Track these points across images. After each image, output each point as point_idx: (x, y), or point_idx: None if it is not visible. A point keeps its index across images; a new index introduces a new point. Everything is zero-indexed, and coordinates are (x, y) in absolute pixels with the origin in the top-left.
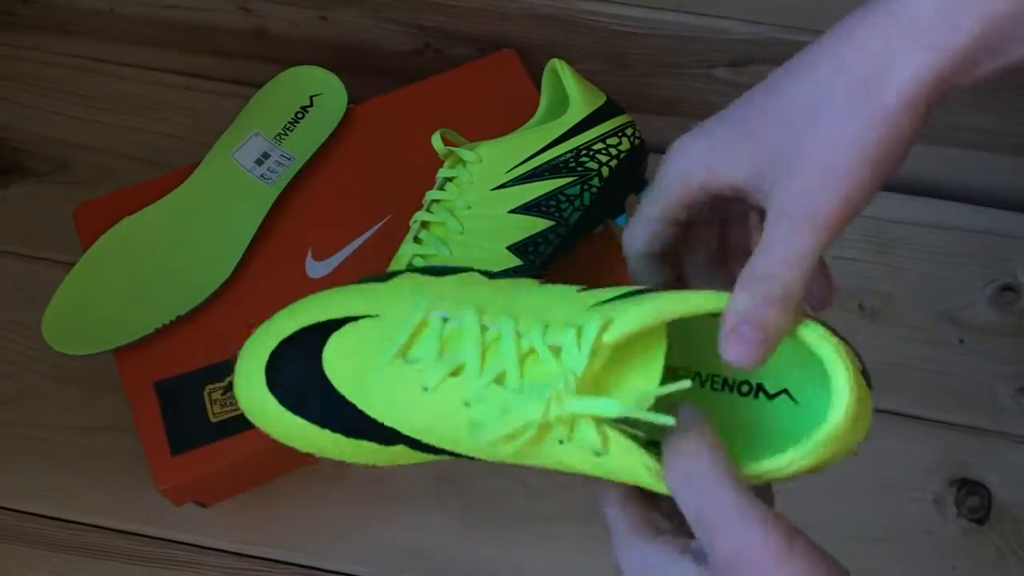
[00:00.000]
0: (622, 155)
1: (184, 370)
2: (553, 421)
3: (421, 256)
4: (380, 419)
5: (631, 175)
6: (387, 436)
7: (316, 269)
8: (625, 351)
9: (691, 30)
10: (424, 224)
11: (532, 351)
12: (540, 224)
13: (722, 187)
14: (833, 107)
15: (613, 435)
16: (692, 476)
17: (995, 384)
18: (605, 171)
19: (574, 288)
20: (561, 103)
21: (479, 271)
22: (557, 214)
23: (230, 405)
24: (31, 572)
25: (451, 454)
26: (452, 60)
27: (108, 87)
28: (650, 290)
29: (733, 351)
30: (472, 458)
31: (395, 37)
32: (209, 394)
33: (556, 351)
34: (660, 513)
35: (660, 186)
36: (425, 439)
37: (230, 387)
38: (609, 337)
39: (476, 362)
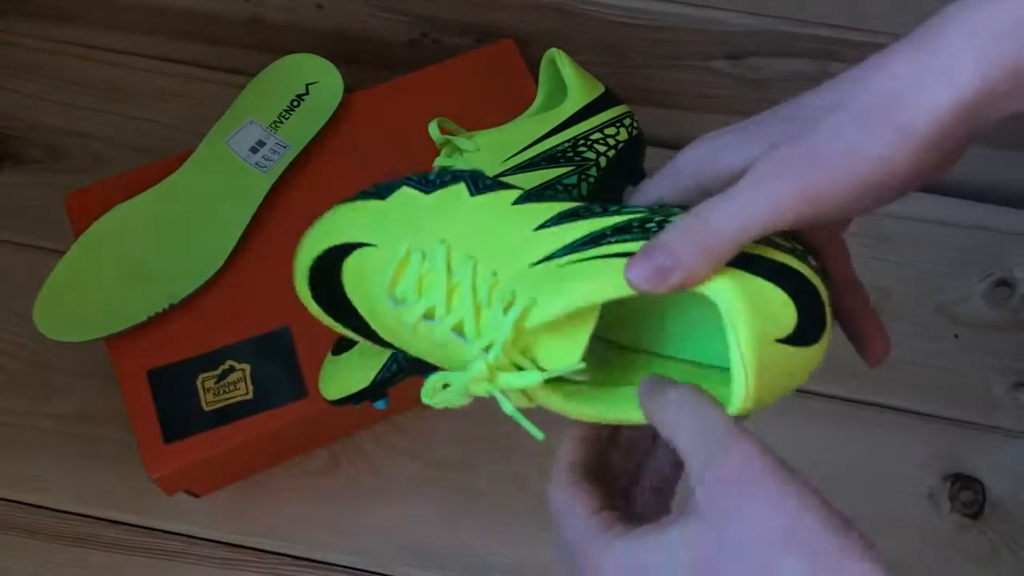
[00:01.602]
0: (620, 145)
1: (177, 358)
2: (480, 391)
3: None
4: (390, 341)
5: (629, 165)
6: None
7: None
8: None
9: (690, 22)
10: None
11: (481, 305)
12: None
13: (714, 179)
14: (843, 116)
15: (539, 393)
16: (684, 409)
17: (990, 379)
18: (603, 161)
19: (532, 223)
20: (559, 93)
21: (468, 181)
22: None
23: (223, 393)
24: (20, 560)
25: None
26: (450, 50)
27: (102, 74)
28: (597, 214)
29: (636, 270)
30: None
31: (392, 26)
32: (203, 382)
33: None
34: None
35: (667, 175)
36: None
37: (223, 375)
38: (530, 323)
39: (443, 307)
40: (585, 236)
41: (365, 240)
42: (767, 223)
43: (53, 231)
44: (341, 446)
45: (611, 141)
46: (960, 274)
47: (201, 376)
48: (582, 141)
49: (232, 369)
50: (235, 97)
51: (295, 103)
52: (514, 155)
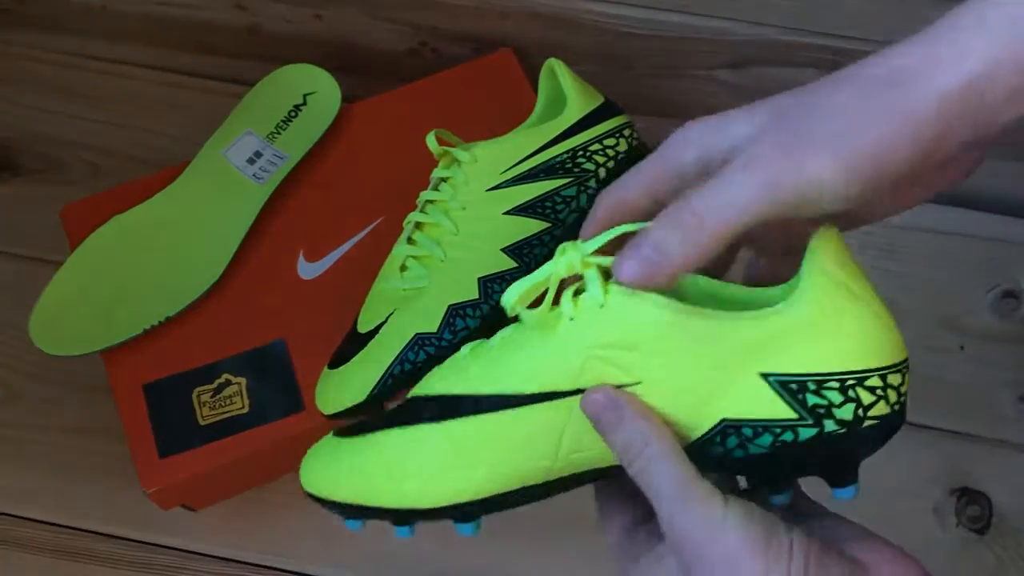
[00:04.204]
0: (620, 156)
1: (173, 372)
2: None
3: (415, 257)
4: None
5: None
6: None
7: (308, 270)
8: None
9: (692, 31)
10: (418, 225)
11: None
12: (536, 226)
13: (718, 158)
14: (846, 94)
15: (613, 287)
16: (649, 461)
17: (996, 392)
18: (602, 172)
19: None
20: (558, 103)
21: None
22: (553, 216)
23: (219, 408)
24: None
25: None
26: (449, 59)
27: (101, 84)
28: None
29: (627, 266)
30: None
31: (391, 36)
32: (198, 396)
33: None
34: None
35: (655, 157)
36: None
37: (219, 389)
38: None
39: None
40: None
41: None
42: (759, 213)
43: (52, 243)
44: None
45: (610, 152)
46: (966, 285)
47: (197, 390)
48: (581, 152)
49: (228, 383)
50: (233, 107)
51: (293, 114)
52: (513, 166)
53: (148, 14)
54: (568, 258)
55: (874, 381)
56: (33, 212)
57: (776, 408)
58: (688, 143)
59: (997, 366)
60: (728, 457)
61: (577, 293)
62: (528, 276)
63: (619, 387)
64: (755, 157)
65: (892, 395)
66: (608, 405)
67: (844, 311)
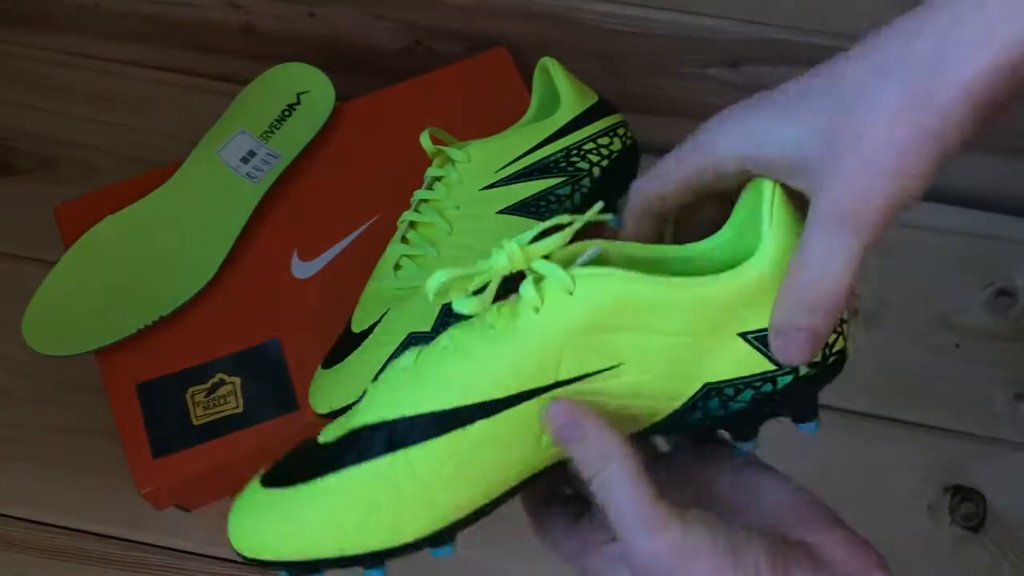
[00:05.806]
0: (614, 155)
1: (167, 371)
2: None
3: (408, 256)
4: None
5: (623, 176)
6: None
7: (302, 270)
8: None
9: (686, 29)
10: (412, 224)
11: None
12: (529, 225)
13: (763, 165)
14: (890, 94)
15: (579, 271)
16: (610, 482)
17: (991, 389)
18: (596, 171)
19: None
20: (552, 102)
21: None
22: (547, 215)
23: (213, 407)
24: None
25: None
26: (443, 58)
27: (94, 83)
28: None
29: (784, 351)
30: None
31: (385, 34)
32: (192, 396)
33: None
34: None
35: (694, 151)
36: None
37: (213, 389)
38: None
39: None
40: None
41: None
42: (864, 259)
43: (45, 242)
44: None
45: (604, 151)
46: (960, 283)
47: (191, 390)
48: (575, 151)
49: (222, 382)
50: (226, 106)
51: (286, 113)
52: (506, 165)
53: (142, 13)
54: (508, 251)
55: None
56: (27, 211)
57: (755, 363)
58: (729, 149)
59: (991, 364)
60: (708, 418)
61: (538, 282)
62: (453, 269)
63: (602, 371)
64: (834, 225)
65: (844, 328)
66: (568, 421)
67: None
